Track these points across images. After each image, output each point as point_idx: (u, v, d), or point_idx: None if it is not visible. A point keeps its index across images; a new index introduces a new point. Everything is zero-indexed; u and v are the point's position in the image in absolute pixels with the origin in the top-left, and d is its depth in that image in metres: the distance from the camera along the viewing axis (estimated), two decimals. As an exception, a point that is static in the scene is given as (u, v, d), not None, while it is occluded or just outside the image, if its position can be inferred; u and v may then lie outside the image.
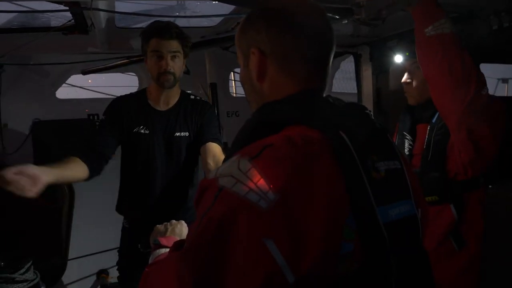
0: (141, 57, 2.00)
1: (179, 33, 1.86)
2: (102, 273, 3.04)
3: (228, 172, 0.71)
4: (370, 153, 0.75)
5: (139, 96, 2.01)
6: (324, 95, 0.88)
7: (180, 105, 1.99)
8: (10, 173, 1.40)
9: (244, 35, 0.87)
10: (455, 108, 1.45)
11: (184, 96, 2.03)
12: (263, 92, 0.87)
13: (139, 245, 1.52)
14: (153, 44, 1.83)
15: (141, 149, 1.95)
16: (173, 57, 1.86)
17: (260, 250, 0.64)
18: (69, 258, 2.77)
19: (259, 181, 0.67)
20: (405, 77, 1.76)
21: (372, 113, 0.86)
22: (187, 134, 1.97)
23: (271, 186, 0.66)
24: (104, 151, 1.90)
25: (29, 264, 1.92)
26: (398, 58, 1.83)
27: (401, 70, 1.82)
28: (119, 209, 2.07)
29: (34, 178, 1.45)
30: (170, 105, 1.98)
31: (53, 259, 2.66)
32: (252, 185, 0.67)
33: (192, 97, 2.05)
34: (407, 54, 1.76)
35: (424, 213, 0.87)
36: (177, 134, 1.95)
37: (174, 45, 1.85)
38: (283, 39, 0.82)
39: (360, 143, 0.74)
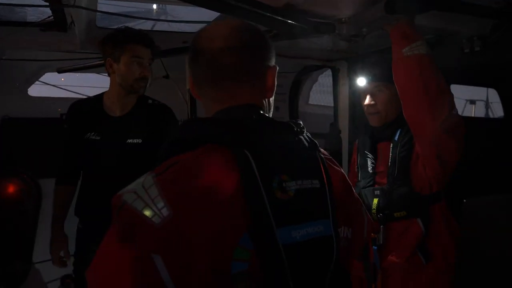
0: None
1: (152, 42, 1.94)
2: (66, 279, 2.92)
3: (133, 188, 0.74)
4: (278, 173, 0.75)
5: (95, 102, 2.01)
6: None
7: (135, 111, 1.98)
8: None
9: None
10: (430, 126, 1.50)
11: (141, 101, 2.01)
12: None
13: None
14: (134, 49, 1.86)
15: (91, 155, 1.95)
16: (149, 65, 1.92)
17: (147, 264, 0.66)
18: (34, 261, 2.67)
19: (156, 198, 0.70)
20: (367, 100, 1.81)
21: (304, 131, 0.86)
22: (140, 141, 1.94)
23: (167, 203, 0.69)
24: (77, 162, 2.05)
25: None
26: (361, 81, 1.86)
27: (362, 92, 1.86)
28: (76, 211, 2.07)
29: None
30: (125, 111, 1.97)
31: (16, 263, 2.55)
32: (149, 201, 0.70)
33: (150, 101, 2.04)
34: (370, 77, 1.81)
35: (357, 232, 0.87)
36: (129, 141, 1.93)
37: (149, 53, 1.91)
38: (192, 66, 0.89)
39: (267, 163, 0.75)
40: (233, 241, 0.69)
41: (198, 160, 0.75)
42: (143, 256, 0.66)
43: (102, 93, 2.03)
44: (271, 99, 0.92)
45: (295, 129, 0.85)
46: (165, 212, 0.68)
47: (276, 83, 0.91)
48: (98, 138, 1.93)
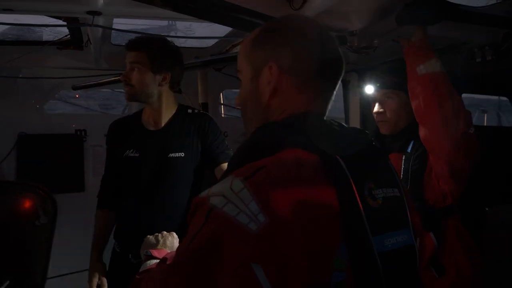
0: None
1: (141, 45, 1.78)
2: (81, 294, 2.94)
3: (220, 191, 0.70)
4: (367, 180, 0.74)
5: (134, 118, 1.91)
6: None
7: (174, 122, 1.85)
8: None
9: (261, 48, 0.85)
10: (445, 144, 1.49)
11: (180, 111, 1.89)
12: (269, 108, 0.85)
13: (130, 255, 1.52)
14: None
15: (131, 173, 1.82)
16: (132, 69, 1.76)
17: (246, 274, 0.63)
18: (48, 276, 2.68)
19: (250, 203, 0.66)
20: (376, 108, 1.79)
21: (373, 139, 0.85)
22: (182, 154, 1.80)
23: (262, 208, 0.65)
24: (118, 184, 1.91)
25: (6, 284, 1.86)
26: (369, 89, 1.84)
27: (371, 100, 1.85)
28: (115, 234, 1.93)
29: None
30: (163, 124, 1.84)
31: (31, 278, 2.57)
32: (243, 207, 0.66)
33: (190, 111, 1.91)
34: (378, 85, 1.79)
35: (422, 242, 0.86)
36: (171, 155, 1.79)
37: (133, 55, 1.76)
38: (305, 57, 0.82)
39: (357, 169, 0.72)
40: (332, 249, 0.66)
41: (288, 165, 0.71)
42: (241, 265, 0.63)
43: (142, 109, 1.93)
44: None
45: (369, 136, 0.84)
46: (261, 218, 0.64)
47: None
48: (137, 154, 1.81)
